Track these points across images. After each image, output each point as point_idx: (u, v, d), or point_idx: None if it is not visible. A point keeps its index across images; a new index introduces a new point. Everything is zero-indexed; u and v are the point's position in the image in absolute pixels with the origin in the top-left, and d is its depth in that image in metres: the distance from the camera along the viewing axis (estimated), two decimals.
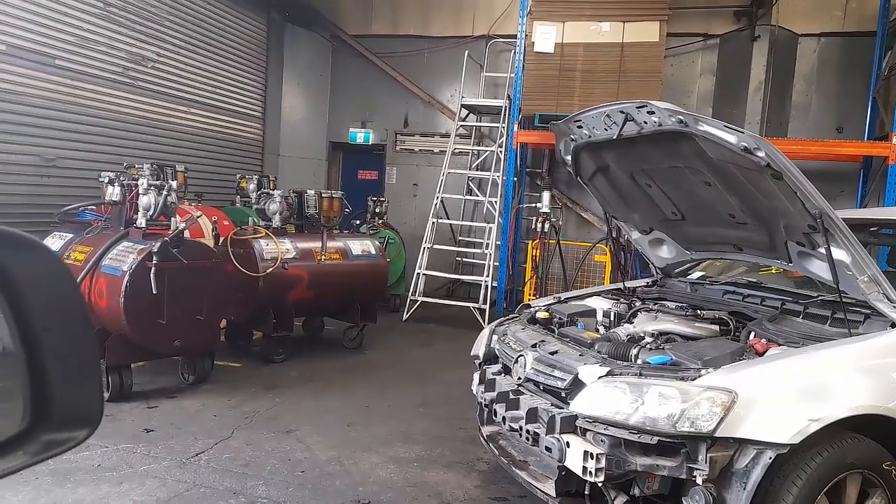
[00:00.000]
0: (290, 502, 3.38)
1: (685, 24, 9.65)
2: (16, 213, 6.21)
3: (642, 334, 3.34)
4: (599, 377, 2.79)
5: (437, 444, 4.31)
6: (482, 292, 8.68)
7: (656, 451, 2.59)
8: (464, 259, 10.45)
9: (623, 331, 3.40)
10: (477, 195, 10.18)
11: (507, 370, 3.57)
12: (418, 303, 8.84)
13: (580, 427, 2.77)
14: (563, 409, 2.90)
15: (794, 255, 3.29)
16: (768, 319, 3.17)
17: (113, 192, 5.08)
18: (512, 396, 3.19)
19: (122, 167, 6.21)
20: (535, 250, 8.64)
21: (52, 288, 0.93)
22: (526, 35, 8.72)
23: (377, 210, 9.31)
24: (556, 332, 3.54)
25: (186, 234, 4.98)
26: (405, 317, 8.70)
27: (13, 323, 0.91)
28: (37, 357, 0.91)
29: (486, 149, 10.11)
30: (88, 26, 6.99)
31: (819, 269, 3.15)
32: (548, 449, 2.83)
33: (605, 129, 3.40)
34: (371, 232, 8.55)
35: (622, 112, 3.16)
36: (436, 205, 9.40)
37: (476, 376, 3.78)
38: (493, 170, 9.52)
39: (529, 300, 8.21)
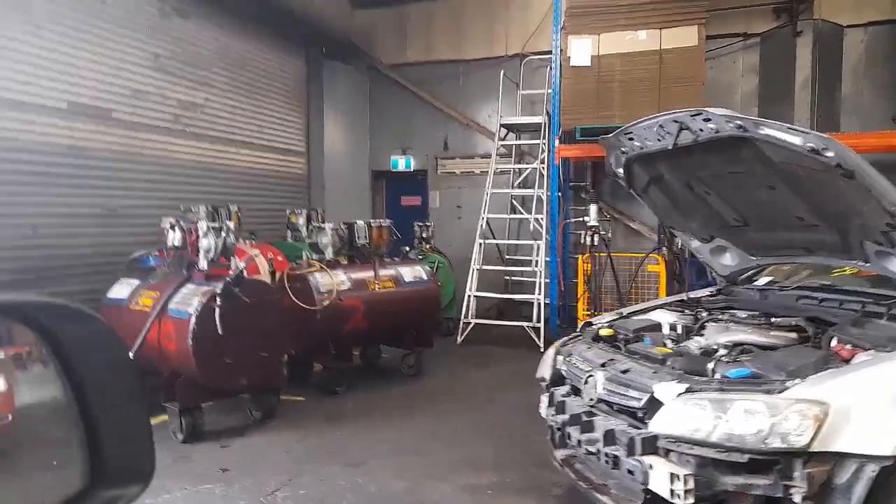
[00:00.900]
0: None
1: (723, 25, 9.49)
2: (82, 263, 6.47)
3: (715, 347, 3.25)
4: (678, 395, 2.71)
5: (507, 469, 4.25)
6: (535, 310, 8.59)
7: (747, 469, 2.49)
8: (512, 278, 10.39)
9: (694, 344, 3.31)
10: (521, 212, 10.15)
11: (576, 391, 3.51)
12: (471, 325, 8.81)
13: (662, 448, 2.69)
14: (641, 429, 2.83)
15: (872, 255, 3.15)
16: (851, 323, 3.03)
17: (174, 237, 5.25)
18: (585, 418, 3.13)
19: (179, 211, 6.42)
20: (585, 264, 8.52)
21: (102, 353, 0.99)
22: (561, 50, 8.72)
23: (424, 235, 9.37)
24: (624, 349, 3.46)
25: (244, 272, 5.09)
26: (459, 340, 8.67)
27: (69, 389, 0.98)
28: (91, 420, 0.97)
29: (528, 166, 10.08)
30: (141, 78, 7.30)
31: None
32: (630, 472, 2.75)
33: (658, 140, 3.35)
34: (420, 257, 8.59)
35: (676, 121, 3.11)
36: (481, 225, 9.40)
37: (544, 399, 3.72)
38: (536, 187, 9.47)
39: (586, 317, 8.15)
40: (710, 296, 4.28)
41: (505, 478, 4.11)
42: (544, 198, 9.18)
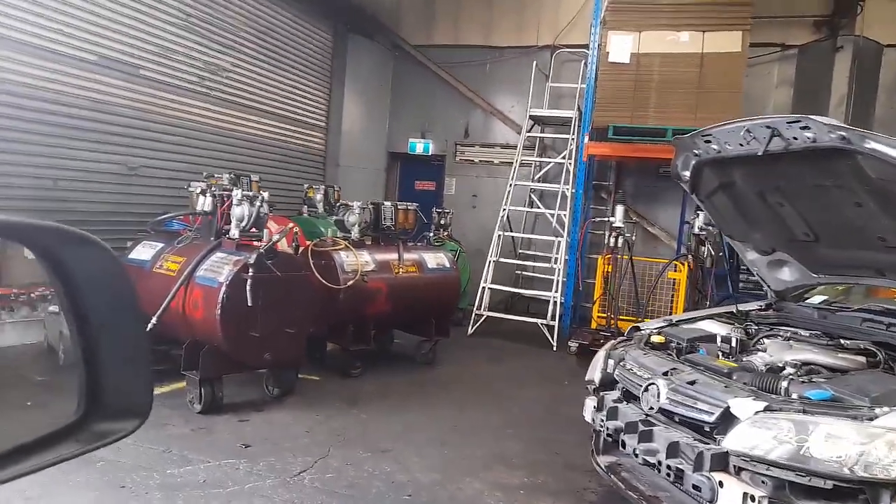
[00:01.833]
0: None
1: (761, 33, 9.30)
2: (101, 220, 6.28)
3: (781, 364, 3.13)
4: (756, 412, 2.60)
5: (537, 469, 4.13)
6: (550, 308, 8.47)
7: (825, 495, 2.38)
8: (524, 273, 10.27)
9: (759, 360, 3.20)
10: (540, 207, 10.00)
11: (628, 397, 3.40)
12: (484, 317, 8.69)
13: (734, 465, 2.57)
14: (709, 444, 2.71)
15: None
16: None
17: (204, 203, 5.07)
18: (643, 427, 3.01)
19: (202, 176, 6.23)
20: (606, 266, 8.40)
21: (110, 285, 0.96)
22: (599, 45, 8.54)
23: (442, 222, 9.21)
24: (681, 358, 3.34)
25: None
26: (470, 331, 8.55)
27: (72, 317, 0.95)
28: (92, 351, 0.96)
29: (555, 160, 9.91)
30: (171, 37, 7.08)
31: None
32: (696, 488, 2.64)
33: (741, 145, 3.21)
34: (437, 244, 8.44)
35: (768, 127, 2.97)
36: (502, 217, 9.25)
37: (589, 402, 3.61)
38: (561, 182, 9.32)
39: (600, 319, 8.01)
40: (760, 310, 4.17)
41: (536, 478, 4.00)
42: (568, 194, 9.03)
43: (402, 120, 11.75)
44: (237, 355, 4.62)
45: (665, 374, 3.11)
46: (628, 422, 3.11)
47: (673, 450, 2.79)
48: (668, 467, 2.78)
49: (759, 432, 2.53)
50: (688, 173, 3.72)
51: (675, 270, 8.43)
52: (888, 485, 2.26)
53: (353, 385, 5.78)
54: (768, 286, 4.14)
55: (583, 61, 9.73)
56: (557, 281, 8.61)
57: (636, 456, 2.99)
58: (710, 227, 8.09)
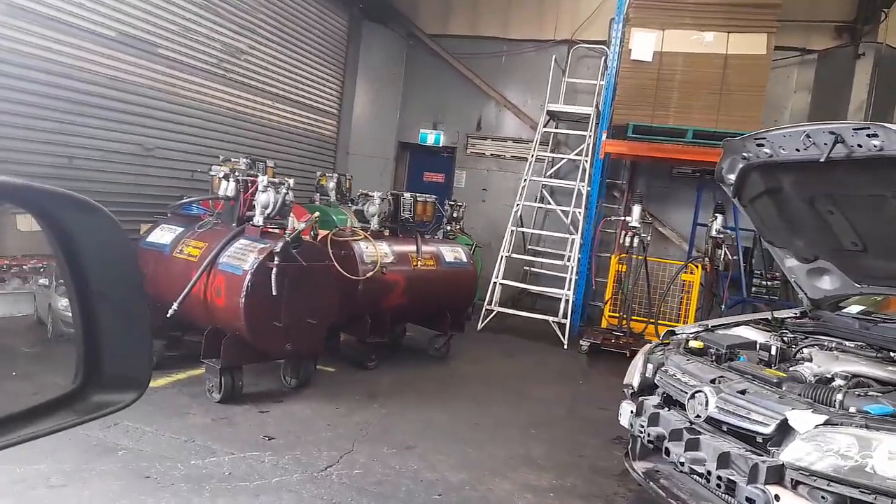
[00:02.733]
0: None
1: (782, 37, 9.15)
2: (115, 200, 6.15)
3: (830, 376, 3.07)
4: (816, 426, 2.53)
5: (565, 472, 4.07)
6: (562, 306, 8.41)
7: None
8: (531, 269, 10.19)
9: (807, 370, 3.13)
10: (551, 203, 9.92)
11: (668, 403, 3.33)
12: (494, 312, 8.62)
13: (790, 479, 2.51)
14: (763, 456, 2.65)
15: None
16: None
17: (227, 188, 4.96)
18: (690, 436, 2.94)
19: (217, 160, 6.09)
20: (619, 265, 8.34)
21: (111, 254, 0.95)
22: (621, 42, 8.43)
23: (454, 215, 9.09)
24: (725, 365, 3.27)
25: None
26: (479, 326, 8.48)
27: (72, 285, 0.94)
28: (92, 320, 0.94)
29: (568, 157, 9.82)
30: (190, 16, 6.94)
31: None
32: (749, 500, 2.58)
33: (798, 150, 3.13)
34: (450, 237, 8.33)
35: (832, 133, 2.89)
36: (516, 212, 9.17)
37: (626, 406, 3.54)
38: (577, 179, 9.22)
39: (612, 319, 7.93)
40: (795, 317, 4.10)
41: (565, 481, 3.93)
42: (584, 192, 8.94)
43: (414, 110, 11.61)
44: (259, 345, 4.53)
45: (712, 381, 3.04)
46: (673, 429, 3.05)
47: (724, 460, 2.73)
48: (719, 478, 2.71)
49: (819, 447, 2.47)
50: (733, 176, 3.65)
51: (688, 272, 8.40)
52: None
53: (370, 378, 5.71)
54: (805, 294, 4.07)
55: (602, 58, 9.64)
56: (570, 279, 8.53)
57: (681, 465, 2.92)
58: (728, 231, 8.06)
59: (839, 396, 2.74)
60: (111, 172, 6.13)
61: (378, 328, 5.95)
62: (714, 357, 3.45)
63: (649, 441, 3.21)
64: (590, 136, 9.22)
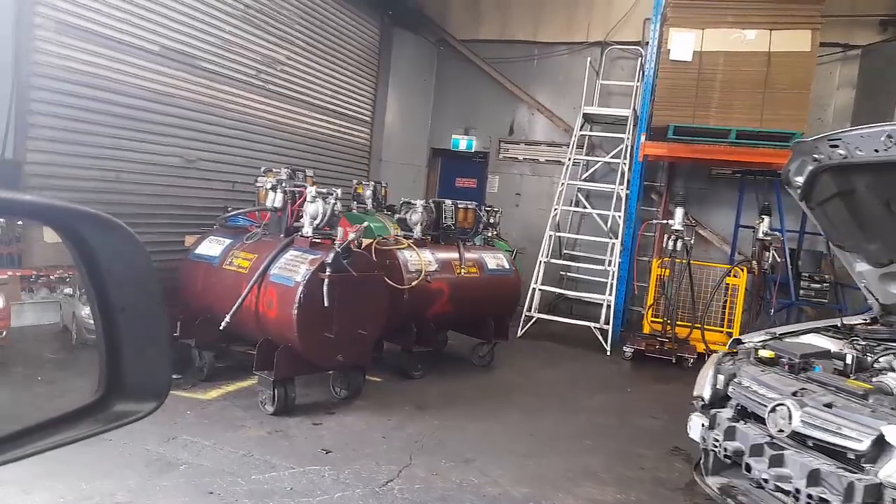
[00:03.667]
0: None
1: (823, 33, 8.96)
2: (159, 213, 6.20)
3: None
4: None
5: (627, 485, 3.96)
6: (604, 311, 8.27)
7: None
8: (567, 273, 10.07)
9: (892, 381, 2.99)
10: (586, 207, 9.79)
11: (743, 416, 3.21)
12: (534, 319, 8.52)
13: (892, 499, 2.39)
14: (857, 473, 2.53)
15: None
16: None
17: (274, 199, 4.95)
18: (773, 452, 2.83)
19: (259, 171, 6.10)
20: (661, 269, 8.17)
21: (132, 269, 0.98)
22: (659, 43, 8.29)
23: (491, 220, 9.01)
24: (804, 377, 3.15)
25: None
26: (519, 333, 8.38)
27: (94, 299, 0.97)
28: (113, 332, 0.97)
29: (603, 160, 9.69)
30: (229, 28, 6.97)
31: None
32: None
33: (877, 151, 3.00)
34: (489, 244, 8.25)
35: None
36: (554, 217, 9.07)
37: (697, 419, 3.43)
38: (616, 182, 9.07)
39: (654, 324, 7.76)
40: (865, 323, 3.95)
41: (629, 495, 3.83)
42: (623, 195, 8.80)
43: (445, 116, 11.58)
44: (312, 356, 4.50)
45: (793, 394, 2.92)
46: (753, 444, 2.93)
47: (814, 478, 2.61)
48: (809, 497, 2.59)
49: None
50: (801, 179, 3.52)
51: (732, 275, 8.20)
52: None
53: (417, 388, 5.66)
54: (876, 299, 3.91)
55: (638, 59, 9.51)
56: (611, 284, 8.39)
57: (765, 481, 2.80)
58: (776, 233, 7.86)
59: None
60: (154, 185, 6.17)
61: (423, 337, 5.89)
62: (787, 367, 3.33)
63: (726, 456, 3.09)
64: (628, 138, 9.07)
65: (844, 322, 3.93)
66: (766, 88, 7.75)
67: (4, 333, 4.79)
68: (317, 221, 4.72)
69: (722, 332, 8.20)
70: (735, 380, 3.32)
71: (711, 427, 3.25)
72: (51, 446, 0.91)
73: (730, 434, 3.11)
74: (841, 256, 3.95)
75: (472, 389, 5.84)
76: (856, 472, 2.54)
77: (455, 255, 6.27)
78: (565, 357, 7.67)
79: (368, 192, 8.50)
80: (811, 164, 3.41)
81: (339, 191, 4.87)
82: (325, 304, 4.35)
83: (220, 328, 4.51)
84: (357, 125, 9.94)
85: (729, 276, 8.17)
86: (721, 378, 3.41)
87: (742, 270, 8.04)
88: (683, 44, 8.01)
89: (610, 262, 8.63)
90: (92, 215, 0.94)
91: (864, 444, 2.54)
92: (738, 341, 3.82)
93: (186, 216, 6.47)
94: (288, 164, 7.42)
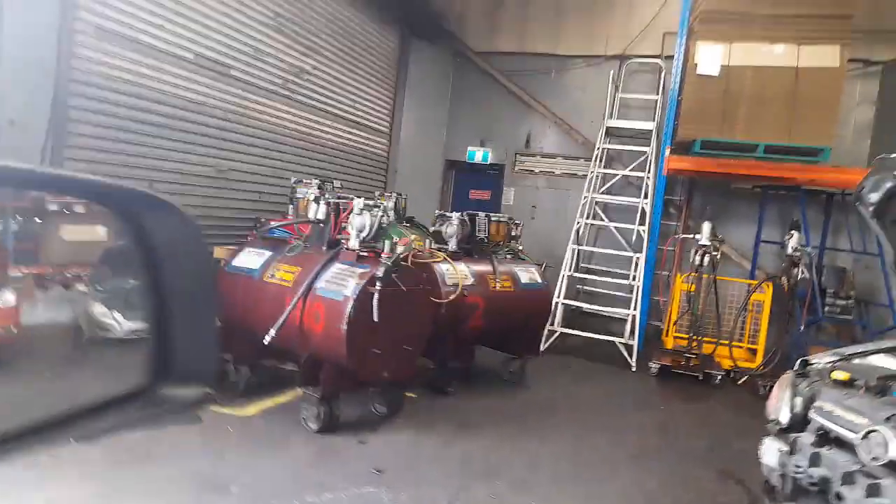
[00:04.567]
0: None
1: None
2: None
3: None
4: None
5: None
6: (628, 326, 8.19)
7: None
8: (584, 287, 9.98)
9: None
10: (604, 220, 9.73)
11: (825, 441, 3.12)
12: (557, 333, 8.42)
13: None
14: None
15: None
16: None
17: (317, 210, 4.85)
18: (868, 480, 2.73)
19: (289, 181, 6.00)
20: (686, 284, 8.11)
21: (188, 254, 0.97)
22: (685, 56, 8.27)
23: (513, 234, 8.94)
24: (886, 400, 3.06)
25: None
26: (543, 347, 8.27)
27: (147, 282, 0.96)
28: (164, 318, 0.96)
29: (623, 173, 9.64)
30: (260, 37, 6.90)
31: None
32: None
33: None
34: (508, 256, 8.16)
35: None
36: (577, 230, 9.00)
37: (772, 443, 3.31)
38: (624, 195, 9.04)
39: (678, 340, 7.66)
40: None
41: None
42: (647, 209, 8.75)
43: (461, 127, 11.53)
44: (360, 372, 4.39)
45: (887, 419, 2.83)
46: (845, 472, 2.84)
47: None
48: None
49: None
50: (877, 196, 3.45)
51: (761, 292, 8.13)
52: None
53: (453, 404, 5.54)
54: None
55: (659, 73, 9.50)
56: (635, 299, 8.32)
57: None
58: (805, 248, 7.81)
59: None
60: (186, 195, 6.07)
61: (460, 353, 5.79)
62: (864, 389, 3.24)
63: (812, 484, 3.00)
64: (652, 152, 9.04)
65: None
66: (795, 103, 7.73)
67: (15, 331, 4.68)
68: (363, 234, 4.62)
69: (743, 347, 8.15)
70: (816, 403, 3.22)
71: (792, 452, 3.15)
72: (102, 430, 0.91)
73: (814, 461, 3.01)
74: None
75: (509, 408, 5.73)
76: None
77: (489, 268, 6.18)
78: (592, 372, 7.58)
79: (390, 204, 8.40)
80: (892, 180, 3.34)
81: (386, 203, 4.77)
82: (375, 318, 4.24)
83: (265, 343, 4.38)
84: (375, 136, 9.88)
85: (757, 291, 8.10)
86: (799, 401, 3.31)
87: (768, 286, 7.98)
88: (711, 58, 7.99)
89: (634, 276, 8.55)
90: (151, 197, 0.93)
91: None
92: (807, 362, 3.73)
93: (215, 227, 6.37)
94: (312, 173, 7.35)
